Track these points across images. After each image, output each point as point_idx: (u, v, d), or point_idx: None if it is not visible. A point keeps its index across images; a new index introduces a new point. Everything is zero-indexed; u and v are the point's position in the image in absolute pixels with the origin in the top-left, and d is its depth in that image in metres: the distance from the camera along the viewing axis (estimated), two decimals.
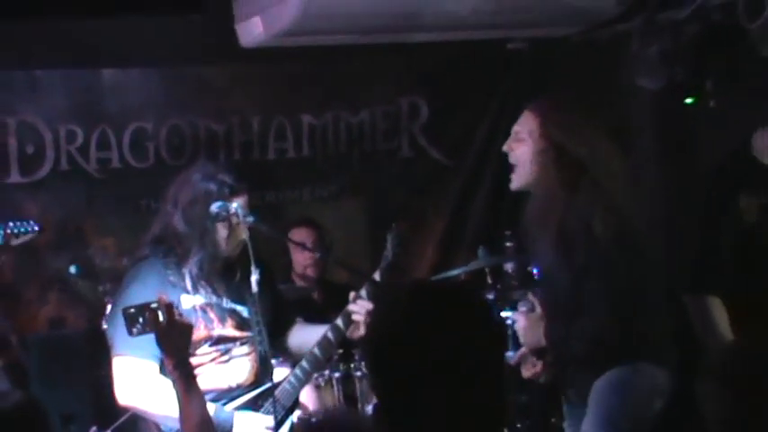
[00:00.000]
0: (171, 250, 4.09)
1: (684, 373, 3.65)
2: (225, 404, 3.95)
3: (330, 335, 4.18)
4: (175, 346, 3.48)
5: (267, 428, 4.02)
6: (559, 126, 3.91)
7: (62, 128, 5.69)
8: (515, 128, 4.02)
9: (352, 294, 4.23)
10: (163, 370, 3.92)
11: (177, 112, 5.91)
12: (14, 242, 4.59)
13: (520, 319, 4.07)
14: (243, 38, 5.30)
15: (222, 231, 4.03)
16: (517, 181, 4.00)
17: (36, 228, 4.64)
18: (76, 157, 5.73)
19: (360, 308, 4.14)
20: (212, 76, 6.03)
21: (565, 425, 4.20)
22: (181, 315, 3.62)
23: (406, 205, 6.29)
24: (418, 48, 5.68)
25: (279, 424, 4.10)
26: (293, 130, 6.19)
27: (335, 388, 5.10)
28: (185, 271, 4.05)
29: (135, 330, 3.53)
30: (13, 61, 5.43)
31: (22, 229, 4.60)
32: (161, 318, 3.46)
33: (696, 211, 4.60)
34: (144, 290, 3.90)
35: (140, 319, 3.52)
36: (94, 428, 4.47)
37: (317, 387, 4.98)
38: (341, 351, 5.13)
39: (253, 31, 5.24)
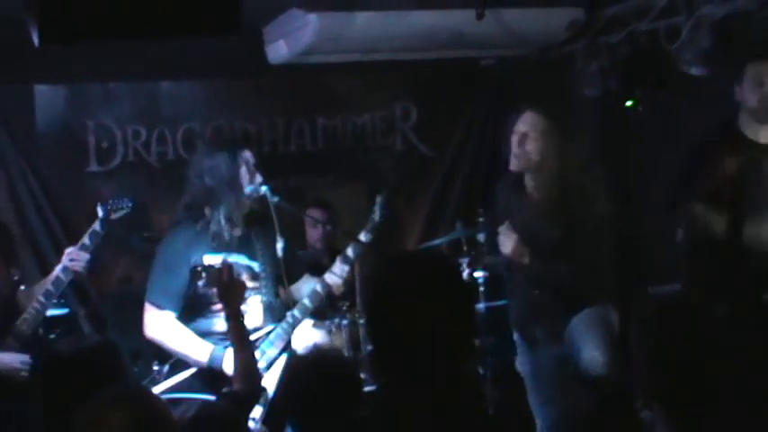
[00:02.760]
0: (200, 214, 4.27)
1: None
2: None
3: (319, 288, 4.48)
4: (232, 299, 3.70)
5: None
6: (549, 126, 4.29)
7: (129, 128, 6.12)
8: (521, 128, 4.31)
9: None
10: (180, 318, 4.20)
11: (219, 115, 6.30)
12: (113, 216, 4.61)
13: (510, 235, 4.32)
14: (271, 56, 5.79)
15: (245, 177, 4.27)
16: (518, 164, 4.32)
17: (129, 204, 4.67)
18: (141, 151, 6.17)
19: (339, 270, 4.45)
20: (247, 87, 6.38)
21: (517, 362, 4.63)
22: (239, 275, 3.84)
23: (399, 188, 6.52)
24: (410, 64, 6.13)
25: (272, 361, 4.37)
26: (310, 129, 6.58)
27: (343, 333, 5.39)
28: (212, 225, 4.22)
29: (201, 284, 3.84)
30: (91, 76, 5.92)
31: (119, 206, 4.64)
32: (223, 276, 3.72)
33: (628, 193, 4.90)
34: (178, 247, 4.19)
35: (204, 275, 3.82)
36: (156, 362, 4.77)
37: (329, 332, 5.37)
38: (348, 304, 5.43)
39: (279, 51, 5.70)
